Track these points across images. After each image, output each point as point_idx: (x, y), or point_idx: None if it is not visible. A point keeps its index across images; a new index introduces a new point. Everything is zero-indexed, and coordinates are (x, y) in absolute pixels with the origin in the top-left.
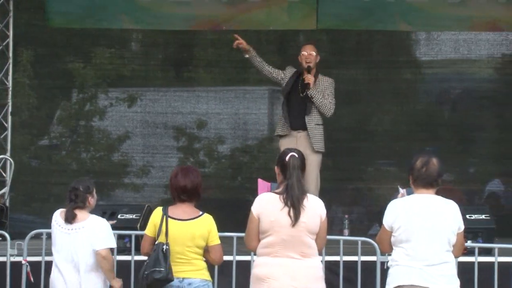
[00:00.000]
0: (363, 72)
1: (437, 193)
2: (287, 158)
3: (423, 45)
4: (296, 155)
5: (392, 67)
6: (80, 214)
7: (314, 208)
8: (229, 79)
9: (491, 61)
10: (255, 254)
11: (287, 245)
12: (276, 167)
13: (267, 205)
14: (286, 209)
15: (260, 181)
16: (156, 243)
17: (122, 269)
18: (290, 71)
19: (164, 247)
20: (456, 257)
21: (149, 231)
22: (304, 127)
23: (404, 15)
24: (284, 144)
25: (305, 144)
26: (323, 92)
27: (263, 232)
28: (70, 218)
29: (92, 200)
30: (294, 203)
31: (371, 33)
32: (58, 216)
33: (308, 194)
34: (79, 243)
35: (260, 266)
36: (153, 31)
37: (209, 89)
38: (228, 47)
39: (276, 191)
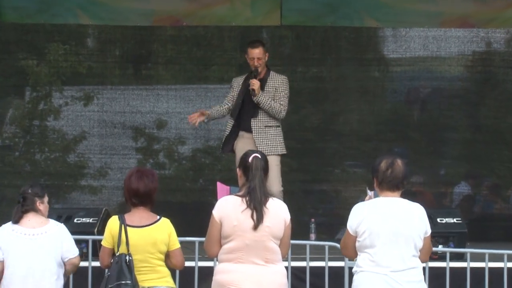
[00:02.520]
0: (329, 69)
1: (404, 195)
2: (250, 159)
3: (391, 42)
4: (260, 156)
5: (359, 65)
6: (38, 218)
7: (278, 212)
8: (190, 77)
9: (461, 59)
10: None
11: (250, 250)
12: (238, 169)
13: (229, 208)
14: (249, 212)
15: (219, 184)
16: (117, 254)
17: (78, 277)
18: (236, 83)
19: (127, 258)
20: (423, 262)
21: (107, 242)
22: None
23: (371, 11)
24: (238, 145)
25: (252, 147)
26: (274, 92)
27: (225, 237)
28: (17, 219)
29: (41, 206)
30: (256, 206)
31: (337, 30)
32: (13, 225)
33: (271, 198)
34: (42, 248)
35: (222, 272)
36: (110, 26)
37: (169, 87)
38: (188, 44)
39: (238, 193)
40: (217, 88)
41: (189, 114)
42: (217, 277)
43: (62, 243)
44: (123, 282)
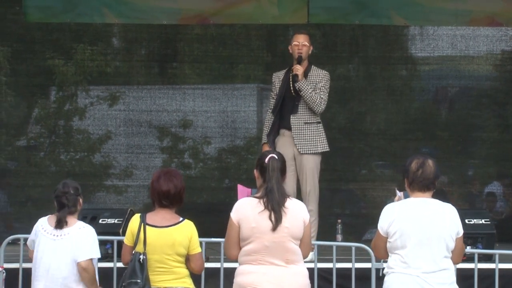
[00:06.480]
0: (356, 68)
1: (435, 196)
2: (266, 160)
3: (419, 41)
4: (276, 157)
5: (386, 64)
6: (69, 219)
7: (297, 212)
8: (216, 76)
9: (490, 58)
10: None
11: (270, 252)
12: (255, 170)
13: (247, 210)
14: (267, 213)
15: (240, 186)
16: (133, 252)
17: (103, 277)
18: (278, 79)
19: (141, 257)
20: (455, 263)
21: (128, 240)
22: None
23: (399, 9)
24: (278, 144)
25: (292, 145)
26: (315, 85)
27: (244, 239)
28: (62, 224)
29: (81, 202)
30: (274, 207)
31: (365, 28)
32: (45, 222)
33: (289, 198)
34: (61, 250)
35: (243, 274)
36: (136, 25)
37: (195, 86)
38: (215, 42)
39: (256, 195)
40: (243, 86)
41: (215, 113)
42: (237, 279)
43: (74, 246)
44: (133, 280)
